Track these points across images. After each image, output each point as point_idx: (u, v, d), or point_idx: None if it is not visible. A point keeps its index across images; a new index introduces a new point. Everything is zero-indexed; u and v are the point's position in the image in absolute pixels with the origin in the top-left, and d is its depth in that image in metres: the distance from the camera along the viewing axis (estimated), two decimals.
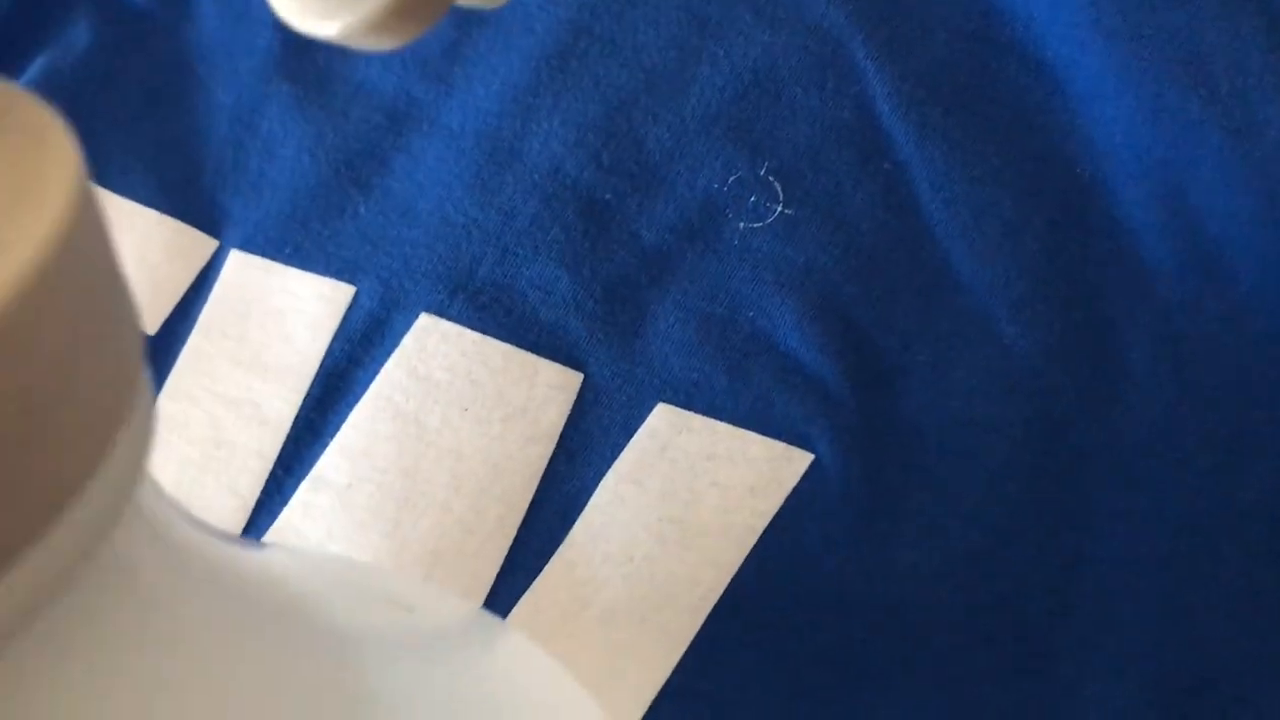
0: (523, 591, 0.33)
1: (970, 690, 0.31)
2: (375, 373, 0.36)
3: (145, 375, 0.14)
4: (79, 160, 0.12)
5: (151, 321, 0.37)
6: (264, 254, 0.38)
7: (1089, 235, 0.35)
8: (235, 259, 0.38)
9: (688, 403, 0.34)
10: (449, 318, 0.36)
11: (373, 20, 0.24)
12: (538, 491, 0.34)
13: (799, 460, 0.33)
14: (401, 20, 0.24)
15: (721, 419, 0.34)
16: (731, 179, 0.37)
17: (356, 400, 0.36)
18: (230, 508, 0.35)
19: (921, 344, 0.34)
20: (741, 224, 0.36)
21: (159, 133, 0.40)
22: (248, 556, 0.17)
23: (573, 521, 0.33)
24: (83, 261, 0.12)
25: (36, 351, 0.11)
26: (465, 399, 0.35)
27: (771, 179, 0.36)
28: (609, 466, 0.34)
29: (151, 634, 0.14)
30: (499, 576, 0.33)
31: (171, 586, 0.15)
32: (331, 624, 0.18)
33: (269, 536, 0.34)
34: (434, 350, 0.36)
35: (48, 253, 0.11)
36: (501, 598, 0.33)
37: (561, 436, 0.35)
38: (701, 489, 0.33)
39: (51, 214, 0.11)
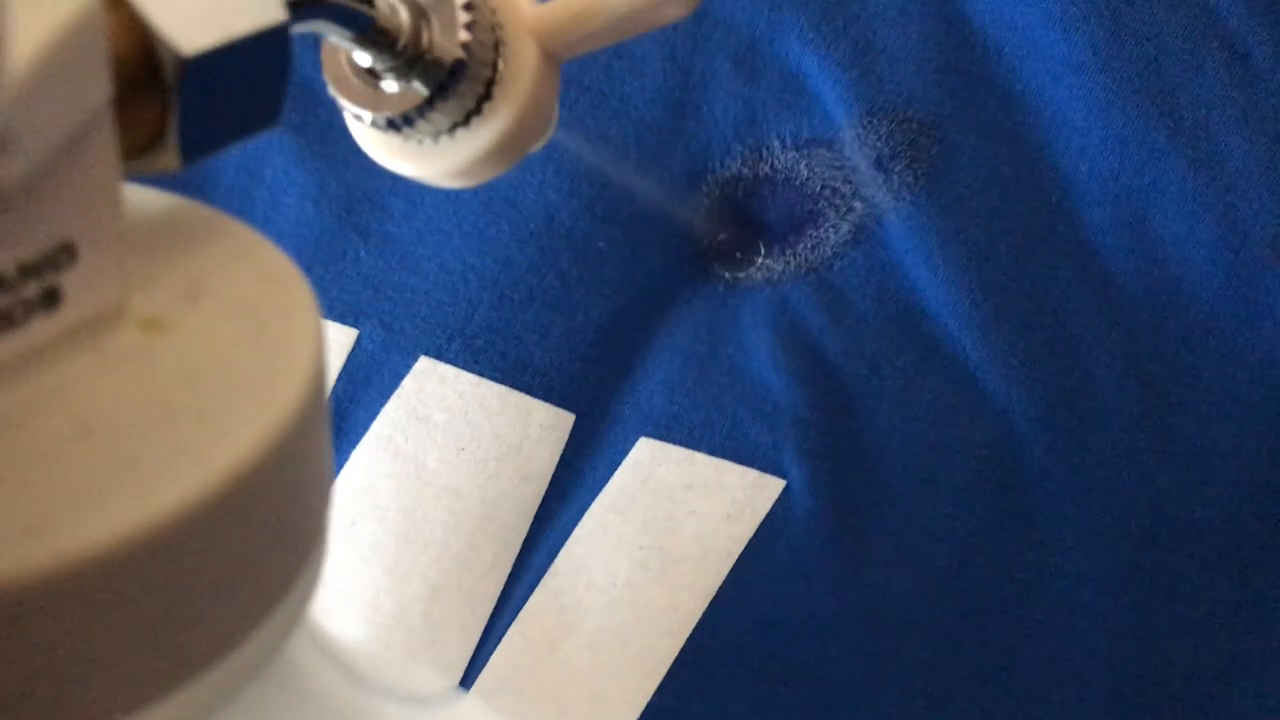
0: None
1: (939, 702, 0.35)
2: (376, 413, 0.40)
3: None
4: (319, 322, 0.16)
5: None
6: None
7: (1055, 259, 0.39)
8: None
9: (668, 435, 0.38)
10: (447, 361, 0.40)
11: (448, 173, 0.30)
12: (531, 527, 0.39)
13: (772, 487, 0.37)
14: (471, 175, 0.31)
15: (699, 449, 0.38)
16: (720, 236, 0.41)
17: (359, 440, 0.40)
18: None
19: (889, 370, 0.38)
20: (727, 274, 0.41)
21: (165, 182, 0.45)
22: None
23: (559, 552, 0.38)
24: (317, 410, 0.16)
25: (294, 473, 0.16)
26: (462, 439, 0.39)
27: (759, 241, 0.41)
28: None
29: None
30: (494, 609, 0.38)
31: (304, 667, 0.19)
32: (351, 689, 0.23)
33: None
34: (432, 392, 0.40)
35: (303, 405, 0.15)
36: (497, 629, 0.37)
37: (553, 475, 0.39)
38: (680, 517, 0.37)
39: (299, 378, 0.16)
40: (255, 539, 0.15)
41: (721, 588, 0.36)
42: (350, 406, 0.40)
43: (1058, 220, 0.39)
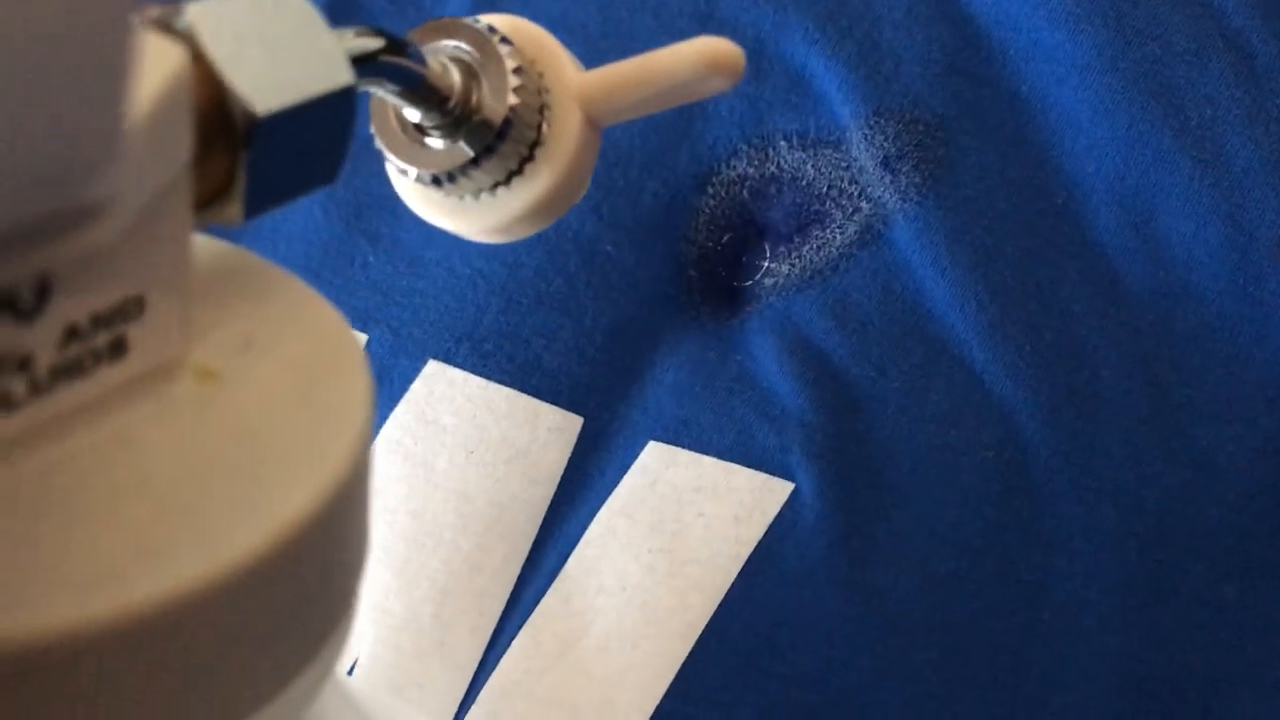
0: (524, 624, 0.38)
1: (947, 703, 0.35)
2: (385, 417, 0.40)
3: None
4: (369, 382, 0.17)
5: None
6: None
7: (1061, 260, 0.39)
8: None
9: (676, 439, 0.39)
10: (456, 365, 0.41)
11: (485, 230, 0.32)
12: (540, 530, 0.39)
13: (780, 490, 0.38)
14: (508, 233, 0.32)
15: (708, 453, 0.38)
16: (725, 238, 0.42)
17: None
18: None
19: (895, 372, 0.39)
20: (735, 282, 0.41)
21: None
22: None
23: (570, 555, 0.38)
24: (365, 464, 0.17)
25: (349, 526, 0.16)
26: (471, 442, 0.40)
27: (765, 243, 0.41)
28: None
29: None
30: (504, 611, 0.38)
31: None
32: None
33: None
34: (441, 396, 0.40)
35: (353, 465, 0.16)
36: (507, 632, 0.38)
37: (562, 478, 0.39)
38: (689, 520, 0.37)
39: (352, 433, 0.16)
40: (300, 594, 0.16)
41: (730, 590, 0.36)
42: None
43: (1064, 221, 0.40)
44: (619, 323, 0.41)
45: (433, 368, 0.41)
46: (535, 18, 0.44)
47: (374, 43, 0.26)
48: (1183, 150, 0.39)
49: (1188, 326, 0.38)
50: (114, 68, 0.14)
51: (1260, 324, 0.38)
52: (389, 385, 0.41)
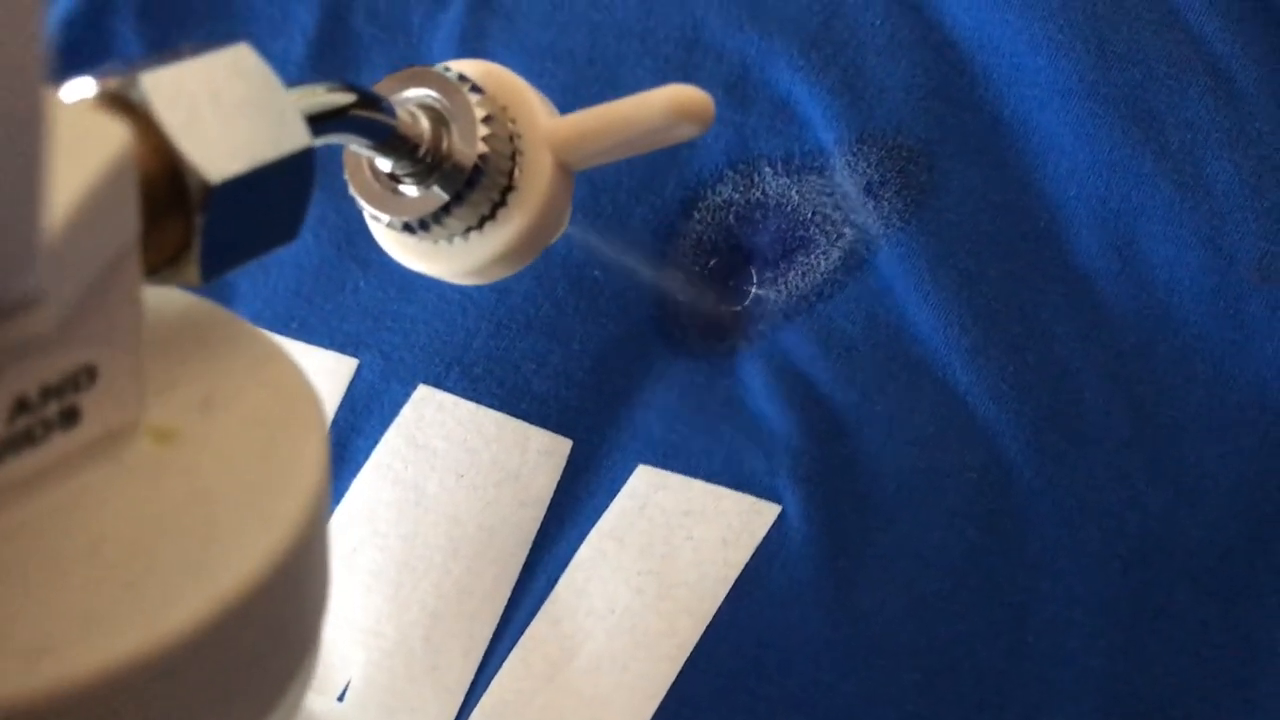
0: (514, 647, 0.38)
1: None
2: (376, 441, 0.41)
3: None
4: (325, 438, 0.17)
5: None
6: (272, 329, 0.43)
7: (1044, 283, 0.39)
8: None
9: (665, 462, 0.39)
10: (446, 389, 0.41)
11: (461, 273, 0.33)
12: (530, 553, 0.39)
13: (767, 513, 0.38)
14: (483, 275, 0.33)
15: (697, 476, 0.39)
16: (712, 263, 0.42)
17: (359, 468, 0.41)
18: None
19: (880, 396, 0.39)
20: (722, 307, 0.41)
21: None
22: None
23: (559, 578, 0.38)
24: (322, 512, 0.17)
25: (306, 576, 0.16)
26: (461, 466, 0.40)
27: (752, 268, 0.42)
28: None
29: None
30: (494, 634, 0.38)
31: None
32: None
33: None
34: (431, 420, 0.41)
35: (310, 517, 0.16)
36: (497, 654, 0.38)
37: (552, 500, 0.40)
38: (678, 543, 0.38)
39: (302, 498, 0.16)
40: (255, 652, 0.16)
41: (718, 612, 0.37)
42: (351, 435, 0.41)
43: (1046, 244, 0.40)
44: (607, 347, 0.41)
45: (423, 392, 0.41)
46: (525, 46, 0.45)
47: (345, 98, 0.26)
48: (1163, 174, 0.39)
49: (1169, 348, 0.38)
50: (22, 189, 0.14)
51: (1241, 346, 0.38)
52: (380, 410, 0.41)
